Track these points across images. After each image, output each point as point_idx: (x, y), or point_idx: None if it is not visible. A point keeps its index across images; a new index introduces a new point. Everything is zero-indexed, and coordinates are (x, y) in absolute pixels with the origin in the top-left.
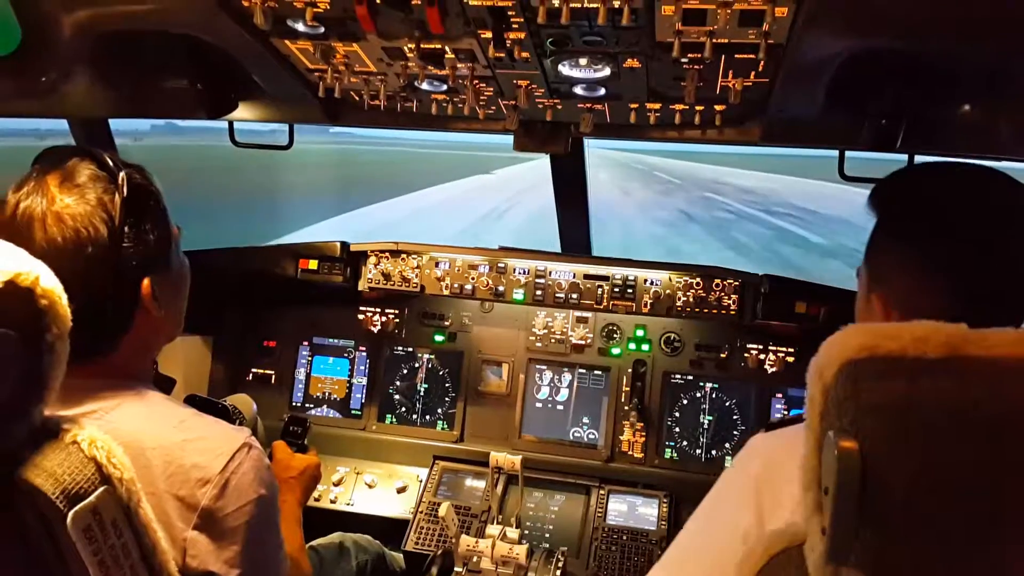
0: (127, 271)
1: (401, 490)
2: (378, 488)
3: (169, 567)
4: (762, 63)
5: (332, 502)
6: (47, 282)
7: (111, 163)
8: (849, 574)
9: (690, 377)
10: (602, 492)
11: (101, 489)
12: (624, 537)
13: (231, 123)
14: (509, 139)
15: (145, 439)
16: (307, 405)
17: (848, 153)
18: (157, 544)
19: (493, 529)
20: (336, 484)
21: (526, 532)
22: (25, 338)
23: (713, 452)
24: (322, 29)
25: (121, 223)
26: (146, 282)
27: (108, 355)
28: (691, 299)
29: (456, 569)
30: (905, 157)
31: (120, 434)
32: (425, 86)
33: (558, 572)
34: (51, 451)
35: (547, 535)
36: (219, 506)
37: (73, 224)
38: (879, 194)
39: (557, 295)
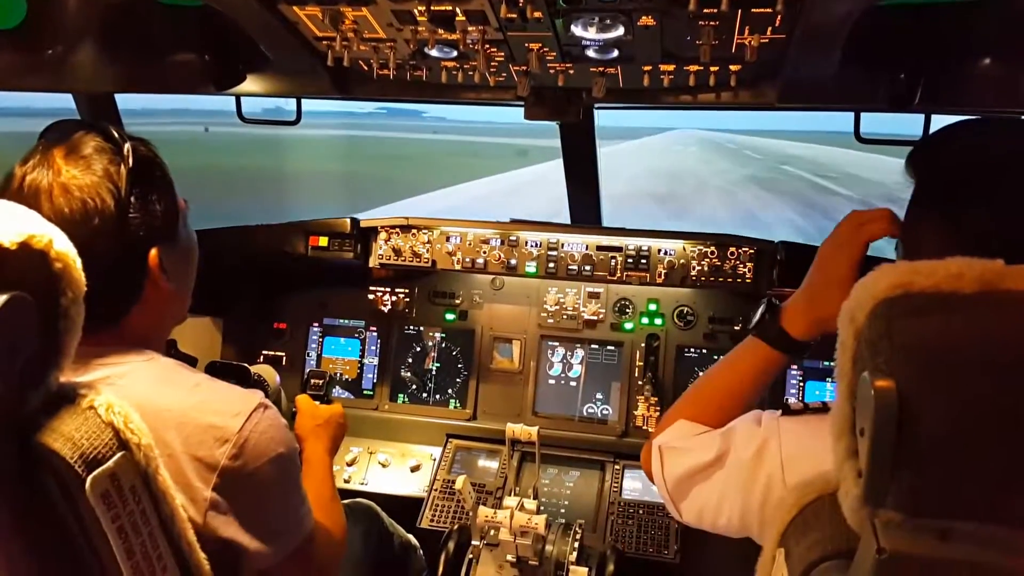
0: (134, 241)
1: (415, 469)
2: (392, 467)
3: (188, 535)
4: (779, 17)
5: (346, 482)
6: (61, 245)
7: (116, 135)
8: (886, 516)
9: (704, 351)
10: (617, 467)
11: (119, 455)
12: (641, 511)
13: (238, 98)
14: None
15: (159, 402)
16: None
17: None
18: (176, 512)
19: (511, 501)
20: (349, 464)
21: (542, 508)
22: (40, 302)
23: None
24: None
25: (127, 193)
26: (153, 252)
27: (118, 325)
28: (706, 268)
29: (473, 543)
30: (922, 117)
31: (134, 398)
32: (435, 52)
33: (576, 544)
34: (68, 416)
35: (563, 511)
36: (239, 465)
37: (80, 195)
38: (916, 156)
39: (570, 267)
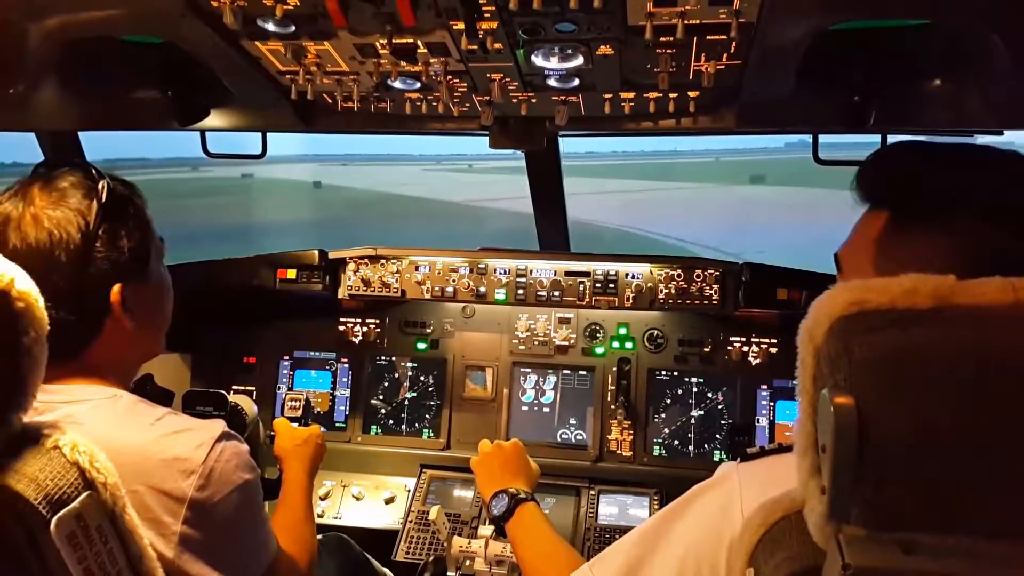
0: (96, 277)
1: (389, 501)
2: (366, 500)
3: (157, 574)
4: (734, 44)
5: (319, 516)
6: (22, 284)
7: (96, 172)
8: (850, 531)
9: (675, 373)
10: (592, 492)
11: (85, 494)
12: (617, 536)
13: (203, 132)
14: None
15: (122, 439)
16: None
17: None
18: (144, 551)
19: (485, 530)
20: (323, 498)
21: None
22: (1, 342)
23: (701, 447)
24: (292, 27)
25: (96, 228)
26: (116, 288)
27: (76, 357)
28: (673, 291)
29: (449, 574)
30: (878, 137)
31: (96, 436)
32: (398, 84)
33: None
34: (32, 457)
35: None
36: (206, 495)
37: (47, 226)
38: (866, 176)
39: (539, 293)
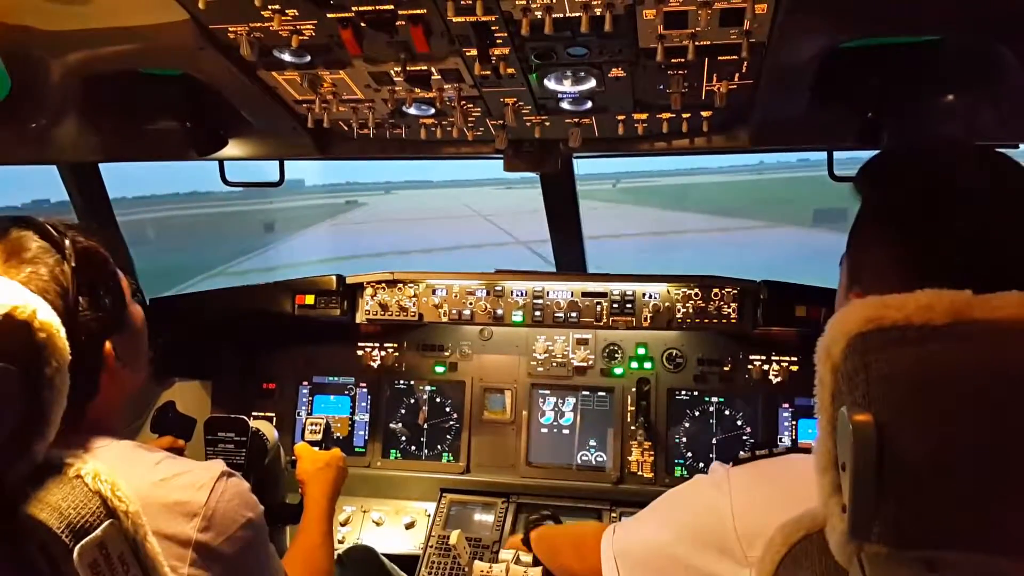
0: (88, 339)
1: (409, 526)
2: (386, 525)
3: None
4: (745, 63)
5: (340, 542)
6: (44, 315)
7: (54, 231)
8: (872, 549)
9: (695, 392)
10: (614, 515)
11: (107, 523)
12: None
13: (221, 162)
14: None
15: (125, 482)
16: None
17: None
18: None
19: (506, 554)
20: (343, 524)
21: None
22: (25, 372)
23: None
24: (308, 57)
25: (75, 293)
26: (108, 345)
27: (77, 418)
28: (691, 310)
29: None
30: None
31: None
32: (413, 111)
33: None
34: (54, 486)
35: None
36: (211, 536)
37: None
38: (865, 173)
39: (556, 315)
